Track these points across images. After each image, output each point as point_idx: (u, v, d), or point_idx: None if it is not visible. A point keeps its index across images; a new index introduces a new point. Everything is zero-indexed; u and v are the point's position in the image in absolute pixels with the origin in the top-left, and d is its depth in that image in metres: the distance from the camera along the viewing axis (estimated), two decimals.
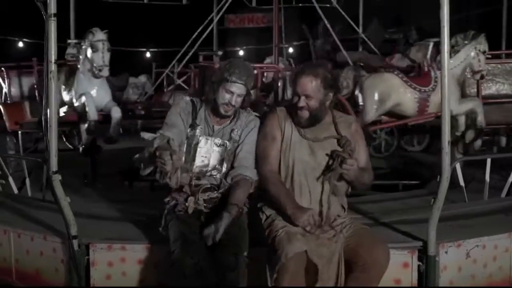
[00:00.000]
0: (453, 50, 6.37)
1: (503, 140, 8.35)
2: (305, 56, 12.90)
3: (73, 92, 6.78)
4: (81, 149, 6.96)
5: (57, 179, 4.01)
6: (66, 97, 6.90)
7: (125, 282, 4.24)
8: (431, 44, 8.61)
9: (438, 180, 4.01)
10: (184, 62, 9.19)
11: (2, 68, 8.59)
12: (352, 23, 8.80)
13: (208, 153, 3.96)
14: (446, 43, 3.90)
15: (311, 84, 3.76)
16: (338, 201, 3.87)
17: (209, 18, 9.80)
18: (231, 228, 3.68)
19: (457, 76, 6.45)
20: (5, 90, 8.56)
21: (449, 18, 3.85)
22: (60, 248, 4.39)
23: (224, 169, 3.98)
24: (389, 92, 6.40)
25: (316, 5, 8.21)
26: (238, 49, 18.31)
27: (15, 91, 8.55)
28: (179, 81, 10.79)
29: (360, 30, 11.05)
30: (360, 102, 6.51)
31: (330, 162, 3.74)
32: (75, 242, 4.19)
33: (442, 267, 4.21)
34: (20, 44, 16.51)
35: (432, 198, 4.12)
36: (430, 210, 4.11)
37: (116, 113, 6.67)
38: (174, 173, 3.61)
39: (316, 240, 3.60)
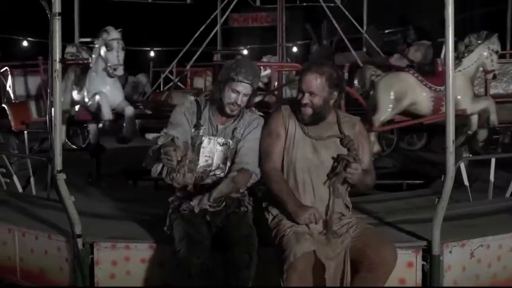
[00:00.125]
0: (467, 49, 6.51)
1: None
2: (307, 56, 12.90)
3: (85, 91, 6.76)
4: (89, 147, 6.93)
5: (61, 178, 4.03)
6: (77, 96, 6.88)
7: (129, 281, 4.24)
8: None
9: (442, 179, 4.01)
10: (192, 61, 9.16)
11: (6, 68, 8.56)
12: (355, 22, 8.80)
13: (211, 152, 3.96)
14: (450, 43, 3.90)
15: (316, 82, 3.76)
16: (342, 200, 3.87)
17: (212, 17, 9.79)
18: (242, 226, 3.72)
19: (470, 76, 6.57)
20: (9, 89, 8.52)
21: (453, 17, 3.85)
22: (64, 247, 4.40)
23: (227, 168, 3.98)
24: (405, 91, 6.47)
25: (323, 3, 8.20)
26: (242, 48, 18.29)
27: (20, 90, 8.51)
28: (175, 80, 10.74)
29: (363, 30, 11.04)
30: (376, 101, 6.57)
31: (335, 165, 3.74)
32: (79, 241, 4.19)
33: (446, 267, 4.20)
34: (25, 43, 16.51)
35: (436, 197, 4.12)
36: (434, 209, 4.10)
37: (130, 112, 6.66)
38: (182, 168, 3.61)
39: (323, 240, 3.60)
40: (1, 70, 8.62)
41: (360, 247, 3.62)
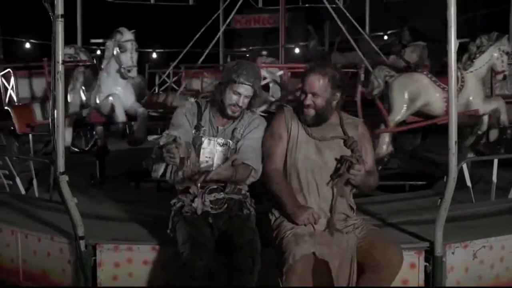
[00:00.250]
0: (479, 50, 6.60)
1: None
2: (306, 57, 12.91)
3: (95, 93, 6.72)
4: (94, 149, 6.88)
5: (64, 179, 4.03)
6: (86, 98, 6.84)
7: (132, 282, 4.25)
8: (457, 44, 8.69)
9: (445, 180, 4.01)
10: (199, 62, 9.14)
11: (9, 69, 8.52)
12: (356, 24, 8.78)
13: (211, 153, 3.97)
14: (453, 43, 3.90)
15: (318, 83, 3.77)
16: (346, 200, 3.87)
17: (213, 18, 9.76)
18: (246, 231, 3.73)
19: (482, 76, 6.68)
20: (10, 91, 8.46)
21: (456, 18, 3.85)
22: (67, 248, 4.40)
23: None
24: (419, 92, 6.50)
25: (327, 4, 8.20)
26: (244, 49, 18.31)
27: (23, 92, 8.46)
28: (170, 82, 10.71)
29: (366, 32, 11.03)
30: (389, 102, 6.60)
31: (338, 166, 3.74)
32: (82, 243, 4.20)
33: (449, 268, 4.20)
34: (27, 45, 16.54)
35: (439, 198, 4.12)
36: (437, 210, 4.11)
37: (143, 113, 6.62)
38: (185, 163, 3.61)
39: (327, 241, 3.60)
40: (4, 72, 8.57)
41: (366, 248, 3.62)
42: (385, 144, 6.58)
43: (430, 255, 4.16)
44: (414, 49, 10.04)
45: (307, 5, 14.27)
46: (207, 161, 3.94)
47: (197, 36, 8.88)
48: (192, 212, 3.84)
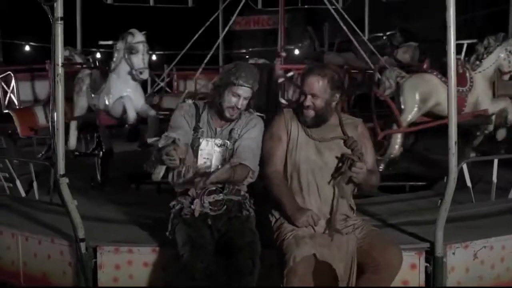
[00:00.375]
0: (486, 51, 6.73)
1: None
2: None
3: (104, 95, 6.69)
4: (101, 153, 6.84)
5: (64, 182, 4.03)
6: (93, 100, 6.81)
7: (132, 285, 4.25)
8: (465, 45, 8.75)
9: (445, 181, 4.01)
10: (203, 64, 9.13)
11: (9, 72, 8.48)
12: (354, 26, 8.80)
13: (209, 154, 3.97)
14: (452, 44, 3.90)
15: (318, 84, 3.77)
16: (346, 201, 3.87)
17: (211, 19, 9.76)
18: (246, 233, 3.73)
19: (489, 76, 6.81)
20: (10, 94, 8.41)
21: (455, 19, 3.86)
22: (67, 251, 4.40)
23: None
24: (430, 92, 6.56)
25: (328, 5, 8.21)
26: (244, 51, 18.30)
27: (24, 95, 8.40)
28: (162, 84, 10.69)
29: (365, 34, 11.05)
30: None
31: (340, 165, 3.75)
32: (82, 245, 4.20)
33: (450, 268, 4.20)
34: (27, 48, 16.52)
35: (439, 199, 4.12)
36: (437, 211, 4.11)
37: (154, 115, 6.59)
38: (181, 164, 3.61)
39: (327, 242, 3.60)
40: (4, 75, 8.54)
41: (366, 248, 3.63)
42: (397, 144, 6.64)
43: (430, 255, 4.16)
44: (407, 49, 10.15)
45: (306, 6, 14.27)
46: (205, 162, 3.94)
47: (195, 38, 8.86)
48: (192, 214, 3.84)
